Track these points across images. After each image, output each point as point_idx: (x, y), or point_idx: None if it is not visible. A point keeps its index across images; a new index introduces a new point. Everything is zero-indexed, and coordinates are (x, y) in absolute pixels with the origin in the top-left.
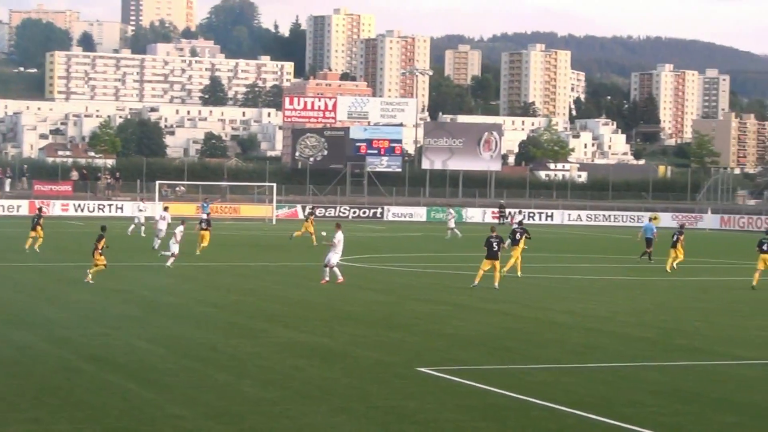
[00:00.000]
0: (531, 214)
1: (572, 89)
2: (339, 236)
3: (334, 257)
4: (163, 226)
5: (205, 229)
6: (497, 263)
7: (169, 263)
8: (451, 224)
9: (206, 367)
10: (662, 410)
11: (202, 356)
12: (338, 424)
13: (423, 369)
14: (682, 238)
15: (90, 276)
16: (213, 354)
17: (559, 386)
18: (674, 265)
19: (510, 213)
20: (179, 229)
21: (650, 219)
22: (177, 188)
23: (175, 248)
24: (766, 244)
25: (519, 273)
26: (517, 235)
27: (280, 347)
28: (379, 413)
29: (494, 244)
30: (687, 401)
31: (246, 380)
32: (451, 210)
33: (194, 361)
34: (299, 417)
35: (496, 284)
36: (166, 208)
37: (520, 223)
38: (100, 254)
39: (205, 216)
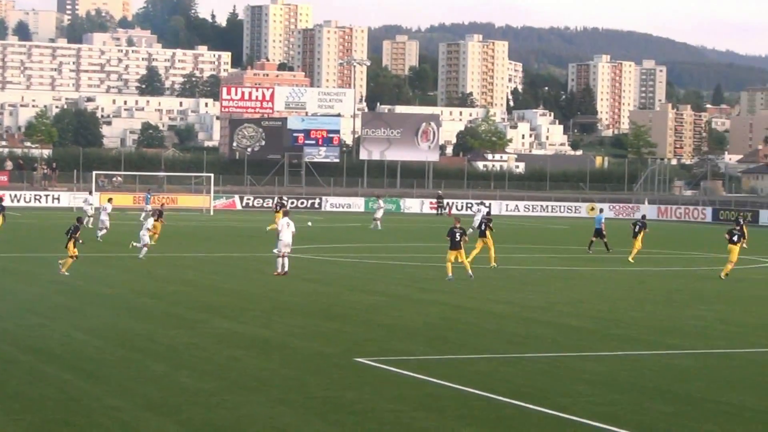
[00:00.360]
0: (469, 205)
1: (510, 80)
2: (281, 223)
3: (279, 244)
4: (105, 217)
5: (157, 220)
6: (462, 252)
7: (141, 254)
8: (378, 215)
9: (144, 358)
10: (599, 400)
11: (139, 347)
12: (276, 415)
13: (361, 359)
14: (642, 231)
15: (63, 268)
16: (150, 345)
17: (497, 376)
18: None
19: (448, 204)
20: (150, 221)
21: (600, 210)
22: (114, 179)
23: (146, 238)
24: (737, 236)
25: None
26: (482, 226)
27: (218, 338)
28: (317, 403)
29: (457, 235)
30: (623, 391)
31: (183, 371)
32: (380, 201)
33: (131, 351)
34: (237, 408)
35: (470, 272)
36: (110, 200)
37: (488, 213)
38: (74, 246)
39: (149, 207)
